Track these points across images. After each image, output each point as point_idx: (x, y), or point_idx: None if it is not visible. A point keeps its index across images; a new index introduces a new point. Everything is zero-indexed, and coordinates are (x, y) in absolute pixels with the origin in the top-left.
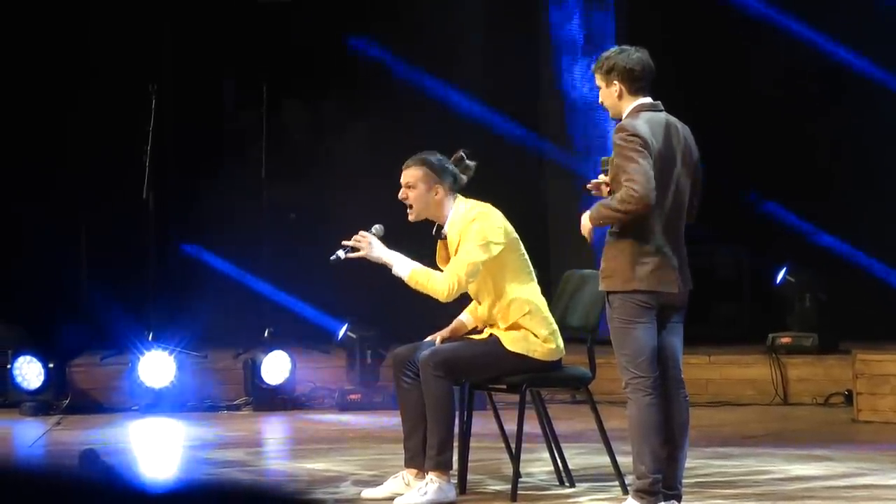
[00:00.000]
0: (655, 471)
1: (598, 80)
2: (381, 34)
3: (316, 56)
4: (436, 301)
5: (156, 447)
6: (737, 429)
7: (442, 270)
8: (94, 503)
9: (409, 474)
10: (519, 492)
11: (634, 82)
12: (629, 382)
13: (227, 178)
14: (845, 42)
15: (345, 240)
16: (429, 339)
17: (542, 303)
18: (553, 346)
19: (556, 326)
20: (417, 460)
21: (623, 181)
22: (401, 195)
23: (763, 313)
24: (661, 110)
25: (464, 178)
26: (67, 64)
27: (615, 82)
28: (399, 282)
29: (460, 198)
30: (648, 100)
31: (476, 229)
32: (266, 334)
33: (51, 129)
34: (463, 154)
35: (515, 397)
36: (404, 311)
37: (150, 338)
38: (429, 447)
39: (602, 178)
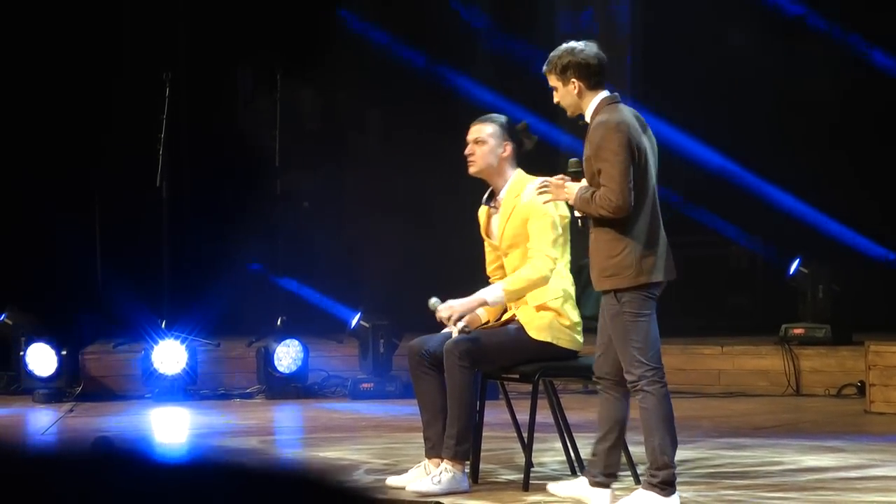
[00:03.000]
0: (673, 461)
1: (553, 81)
2: (396, 23)
3: (330, 45)
4: (448, 291)
5: (168, 435)
6: (749, 419)
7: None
8: (110, 481)
9: (431, 465)
10: (531, 481)
11: (592, 77)
12: (644, 375)
13: (240, 166)
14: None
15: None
16: (445, 330)
17: (573, 292)
18: (577, 335)
19: (580, 319)
20: (439, 449)
21: (602, 183)
22: (467, 151)
23: (776, 304)
24: (620, 101)
25: (527, 145)
26: (81, 53)
27: (573, 80)
28: (411, 271)
29: (520, 170)
30: (607, 93)
31: (547, 209)
32: (279, 323)
33: (65, 118)
34: (527, 124)
35: (528, 387)
36: (417, 301)
37: (163, 326)
38: (447, 436)
39: (559, 178)
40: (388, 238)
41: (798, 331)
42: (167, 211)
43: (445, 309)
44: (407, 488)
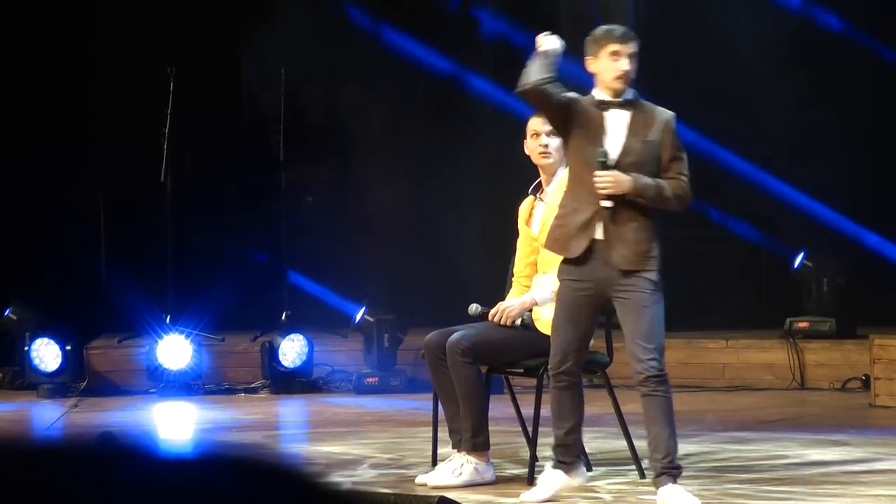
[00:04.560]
0: None
1: (635, 49)
2: (401, 17)
3: (335, 39)
4: (453, 285)
5: (173, 430)
6: (754, 413)
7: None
8: (115, 477)
9: (460, 457)
10: (536, 476)
11: None
12: (663, 367)
13: (244, 161)
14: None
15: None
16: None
17: None
18: None
19: None
20: None
21: (678, 174)
22: (544, 142)
23: (781, 298)
24: None
25: None
26: (87, 47)
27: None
28: (416, 266)
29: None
30: None
31: None
32: (283, 317)
33: (70, 112)
34: None
35: (533, 381)
36: (421, 296)
37: (167, 320)
38: (463, 429)
39: (606, 175)
40: (393, 232)
41: (803, 324)
42: (171, 205)
43: (499, 313)
44: (428, 484)
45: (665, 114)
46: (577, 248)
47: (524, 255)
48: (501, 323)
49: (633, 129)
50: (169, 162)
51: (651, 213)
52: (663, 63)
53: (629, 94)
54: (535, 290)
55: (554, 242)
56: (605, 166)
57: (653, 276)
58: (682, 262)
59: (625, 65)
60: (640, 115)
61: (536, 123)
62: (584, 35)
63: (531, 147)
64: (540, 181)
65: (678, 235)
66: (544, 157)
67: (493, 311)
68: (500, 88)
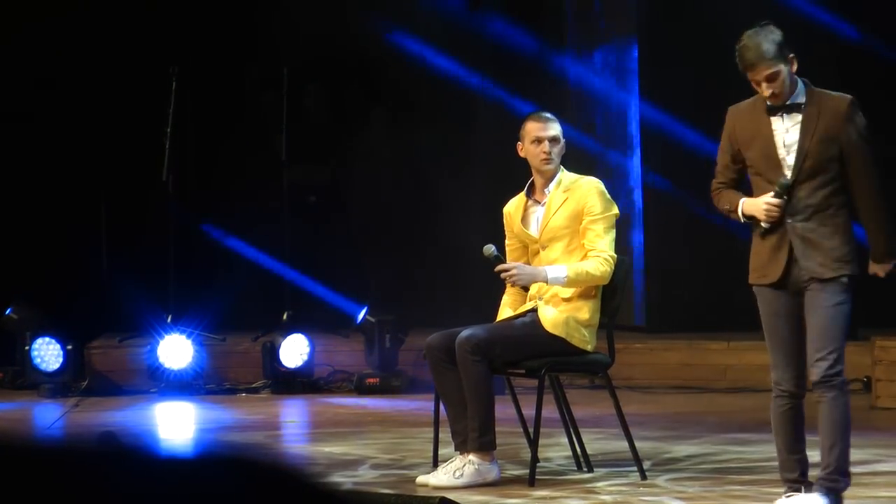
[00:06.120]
0: None
1: (777, 66)
2: (401, 19)
3: (337, 40)
4: (456, 286)
5: (174, 430)
6: (755, 415)
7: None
8: (116, 476)
9: (463, 459)
10: (537, 477)
11: None
12: (842, 371)
13: (247, 160)
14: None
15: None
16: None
17: (600, 292)
18: (592, 335)
19: (597, 320)
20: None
21: (865, 168)
22: (547, 149)
23: None
24: None
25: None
26: (89, 46)
27: (791, 55)
28: (418, 266)
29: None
30: None
31: (606, 204)
32: (285, 317)
33: (72, 111)
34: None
35: (534, 382)
36: (424, 296)
37: (168, 320)
38: (470, 429)
39: (776, 201)
40: (396, 233)
41: None
42: (173, 204)
43: (512, 271)
44: (429, 484)
45: (838, 97)
46: (776, 271)
47: (516, 257)
48: (508, 281)
49: (820, 126)
50: (171, 161)
51: (844, 216)
52: (666, 60)
53: (798, 93)
54: (550, 268)
55: (757, 275)
56: (776, 194)
57: (844, 281)
58: (683, 260)
59: (770, 91)
60: (824, 106)
61: (536, 128)
62: (581, 34)
63: (532, 151)
64: (532, 181)
65: (679, 235)
66: (546, 164)
67: (505, 266)
68: (502, 88)
